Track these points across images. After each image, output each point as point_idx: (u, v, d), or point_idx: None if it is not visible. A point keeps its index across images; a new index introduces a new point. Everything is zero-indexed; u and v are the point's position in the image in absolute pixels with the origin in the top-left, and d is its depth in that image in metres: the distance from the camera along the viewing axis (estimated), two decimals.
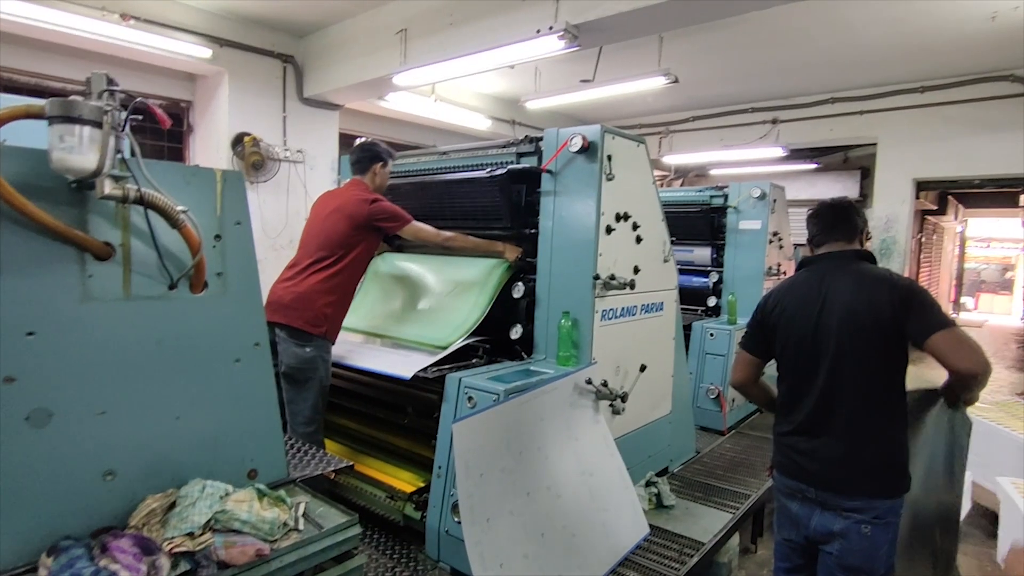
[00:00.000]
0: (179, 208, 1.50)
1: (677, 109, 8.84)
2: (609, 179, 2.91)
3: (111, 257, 1.52)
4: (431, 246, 3.33)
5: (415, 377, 2.76)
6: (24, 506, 1.41)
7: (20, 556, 1.40)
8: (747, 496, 3.41)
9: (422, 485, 2.86)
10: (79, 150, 1.25)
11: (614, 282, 2.94)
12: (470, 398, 2.52)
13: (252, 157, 5.39)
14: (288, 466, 1.96)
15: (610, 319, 3.03)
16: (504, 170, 3.05)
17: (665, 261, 3.52)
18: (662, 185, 9.70)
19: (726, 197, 5.33)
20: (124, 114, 1.34)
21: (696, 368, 4.74)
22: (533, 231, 3.12)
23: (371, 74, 5.26)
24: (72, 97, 1.25)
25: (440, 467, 2.61)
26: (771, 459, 2.31)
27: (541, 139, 3.10)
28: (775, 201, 5.24)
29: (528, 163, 3.15)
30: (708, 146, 8.62)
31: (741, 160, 8.90)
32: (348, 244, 2.96)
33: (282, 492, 1.74)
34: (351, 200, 3.02)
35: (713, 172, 10.31)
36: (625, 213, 3.06)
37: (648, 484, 3.27)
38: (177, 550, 1.45)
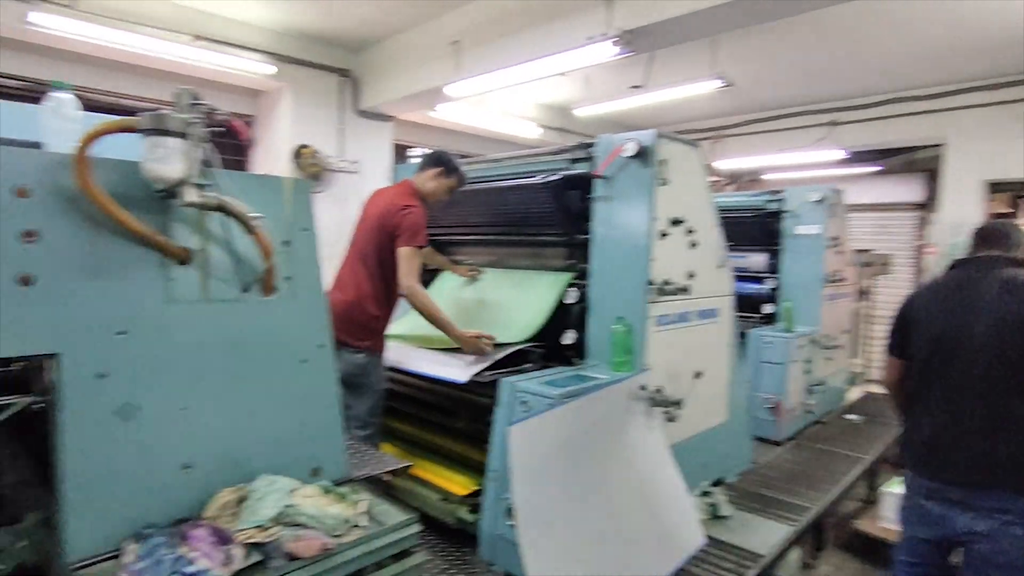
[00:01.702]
0: (253, 215, 1.58)
1: (730, 113, 8.68)
2: (663, 184, 2.89)
3: (190, 262, 1.61)
4: (416, 301, 3.02)
5: (470, 381, 2.80)
6: (113, 495, 1.50)
7: (108, 542, 1.49)
8: (807, 509, 3.30)
9: (475, 488, 2.89)
10: (168, 160, 1.34)
11: (668, 287, 2.91)
12: (524, 402, 2.54)
13: (311, 168, 5.59)
14: (348, 465, 2.02)
15: (664, 325, 3.00)
16: (558, 176, 3.07)
17: (720, 267, 3.46)
18: (714, 191, 9.52)
19: (782, 201, 5.20)
20: (206, 127, 1.43)
21: (752, 377, 4.62)
22: (586, 236, 3.13)
23: (424, 85, 5.39)
24: (162, 111, 1.35)
25: (494, 470, 2.63)
26: (901, 459, 2.35)
27: (594, 145, 3.10)
28: (834, 205, 5.07)
29: (581, 169, 3.16)
30: (762, 150, 8.42)
31: (798, 164, 8.66)
32: (387, 250, 3.03)
33: (345, 489, 1.79)
34: (388, 208, 3.05)
35: (767, 176, 10.06)
36: (679, 218, 3.02)
37: (704, 494, 3.21)
38: (249, 541, 1.52)
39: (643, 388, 2.74)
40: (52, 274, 1.40)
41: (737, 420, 3.73)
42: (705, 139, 9.00)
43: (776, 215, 5.24)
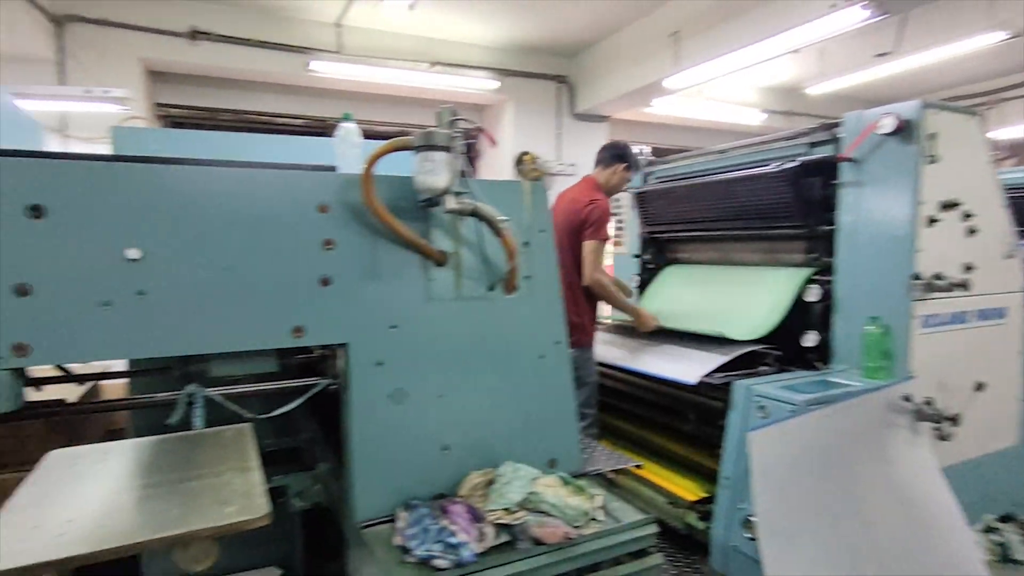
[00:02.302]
0: (502, 218, 1.70)
1: (1011, 71, 7.14)
2: (931, 162, 2.47)
3: (446, 263, 1.79)
4: (597, 287, 3.14)
5: (700, 383, 2.69)
6: (388, 467, 1.74)
7: (383, 508, 1.73)
8: None
9: (705, 495, 2.77)
10: (435, 172, 1.51)
11: (940, 283, 2.48)
12: (762, 407, 2.37)
13: (532, 173, 5.89)
14: (582, 459, 2.07)
15: (934, 326, 2.56)
16: (796, 162, 2.81)
17: (1008, 257, 2.85)
18: None
19: None
20: (463, 141, 1.58)
21: None
22: (830, 228, 2.81)
23: (640, 82, 5.34)
24: (430, 129, 1.52)
25: (727, 478, 2.49)
26: None
27: (839, 125, 2.77)
28: None
29: (823, 153, 2.85)
30: None
31: None
32: (573, 252, 3.11)
33: (583, 482, 1.84)
34: (573, 205, 3.16)
35: None
36: (953, 201, 2.56)
37: (988, 530, 2.68)
38: (498, 522, 1.64)
39: (907, 399, 2.38)
40: (344, 276, 1.66)
41: None
42: (976, 106, 7.52)
43: None
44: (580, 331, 3.14)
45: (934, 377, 2.58)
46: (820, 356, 2.80)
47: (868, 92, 7.74)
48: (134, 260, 1.45)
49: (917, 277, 2.47)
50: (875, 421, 2.34)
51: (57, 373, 1.77)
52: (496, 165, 6.53)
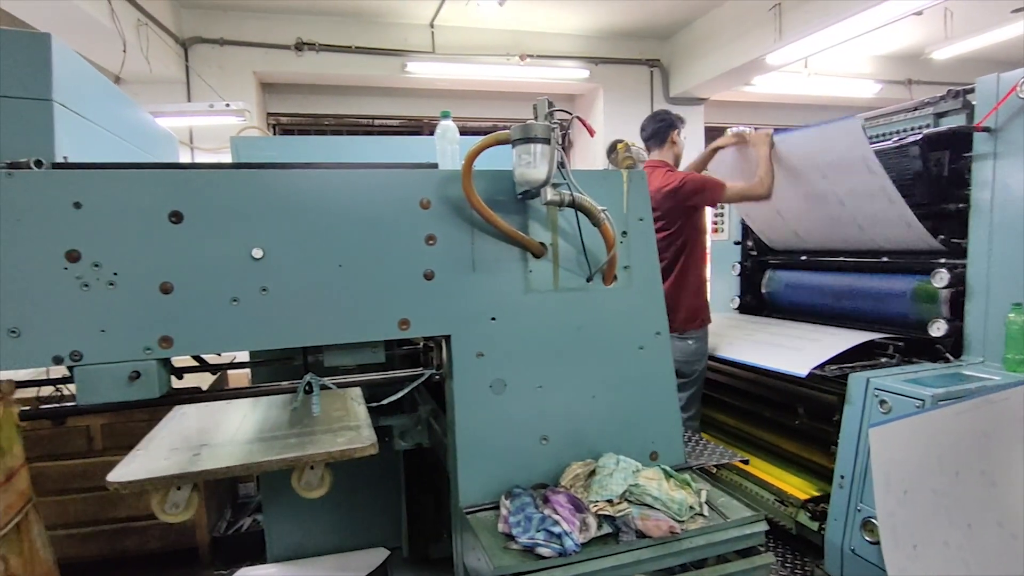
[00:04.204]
0: (600, 208, 1.69)
1: None
2: None
3: (544, 255, 1.80)
4: (756, 199, 3.08)
5: (810, 375, 2.55)
6: (490, 455, 1.78)
7: (487, 495, 1.77)
8: None
9: (816, 494, 2.62)
10: (534, 164, 1.52)
11: None
12: (883, 402, 2.20)
13: (625, 161, 5.75)
14: (684, 452, 2.02)
15: None
16: (919, 135, 2.57)
17: None
18: None
19: None
20: (561, 131, 1.58)
21: None
22: (961, 206, 2.55)
23: (740, 60, 5.09)
24: (529, 122, 1.53)
25: (843, 476, 2.34)
26: None
27: (971, 91, 2.51)
28: None
29: (951, 123, 2.59)
30: None
31: None
32: (679, 239, 3.03)
33: (687, 476, 1.80)
34: (657, 198, 2.96)
35: None
36: None
37: None
38: (601, 513, 1.63)
39: None
40: (446, 270, 1.72)
41: None
42: None
43: None
44: (703, 312, 3.10)
45: None
46: (951, 347, 2.56)
47: (1003, 53, 6.90)
48: (258, 259, 1.57)
49: None
50: (1018, 419, 2.11)
51: (192, 363, 1.97)
52: (589, 154, 6.46)
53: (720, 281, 3.97)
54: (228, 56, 5.61)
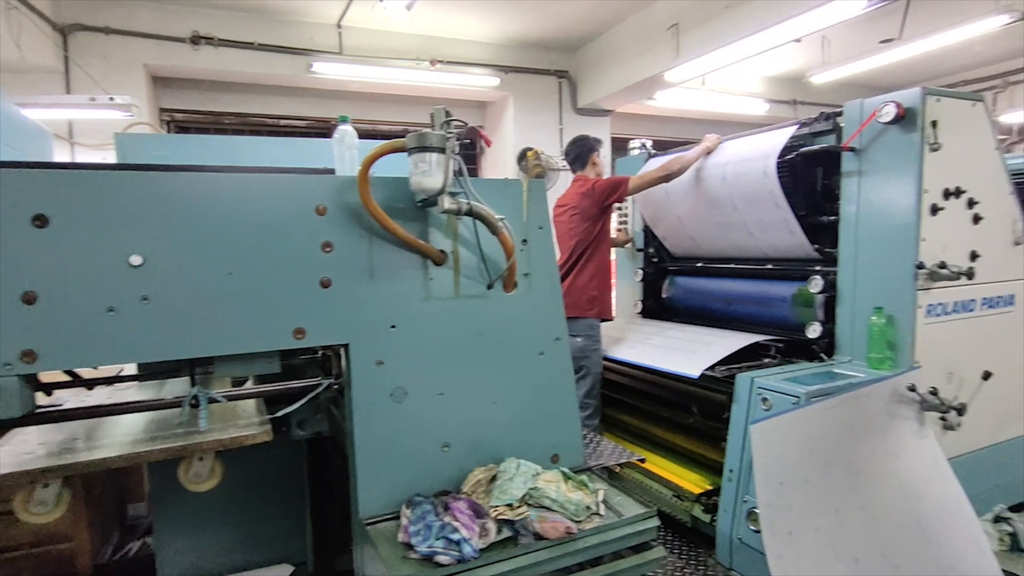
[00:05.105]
0: (498, 217, 1.72)
1: (1020, 54, 7.04)
2: (934, 149, 2.46)
3: (445, 262, 1.81)
4: (654, 184, 3.36)
5: (703, 375, 2.70)
6: (391, 465, 1.76)
7: (387, 505, 1.75)
8: None
9: (710, 488, 2.78)
10: (430, 173, 1.52)
11: (944, 271, 2.47)
12: (764, 399, 2.37)
13: (535, 169, 5.89)
14: (584, 454, 2.08)
15: (939, 316, 2.55)
16: (795, 153, 2.80)
17: (1016, 244, 2.83)
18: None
19: None
20: (458, 140, 1.59)
21: None
22: (832, 218, 2.80)
23: (642, 75, 5.32)
24: (424, 130, 1.53)
25: (731, 470, 2.50)
26: None
27: (840, 114, 2.76)
28: None
29: (823, 143, 2.83)
30: None
31: None
32: (590, 236, 3.33)
33: (584, 477, 1.86)
34: (575, 198, 3.41)
35: None
36: (957, 188, 2.55)
37: (998, 520, 2.66)
38: (501, 517, 1.65)
39: (912, 389, 2.37)
40: (343, 278, 1.68)
41: None
42: (985, 90, 7.44)
43: None
44: (600, 304, 3.35)
45: (940, 367, 2.58)
46: (824, 348, 2.79)
47: (874, 79, 7.67)
48: (137, 266, 1.48)
49: (921, 266, 2.46)
50: (880, 412, 2.33)
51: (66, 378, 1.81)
52: (500, 162, 6.53)
53: (624, 287, 4.13)
54: (115, 46, 5.22)
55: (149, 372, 2.17)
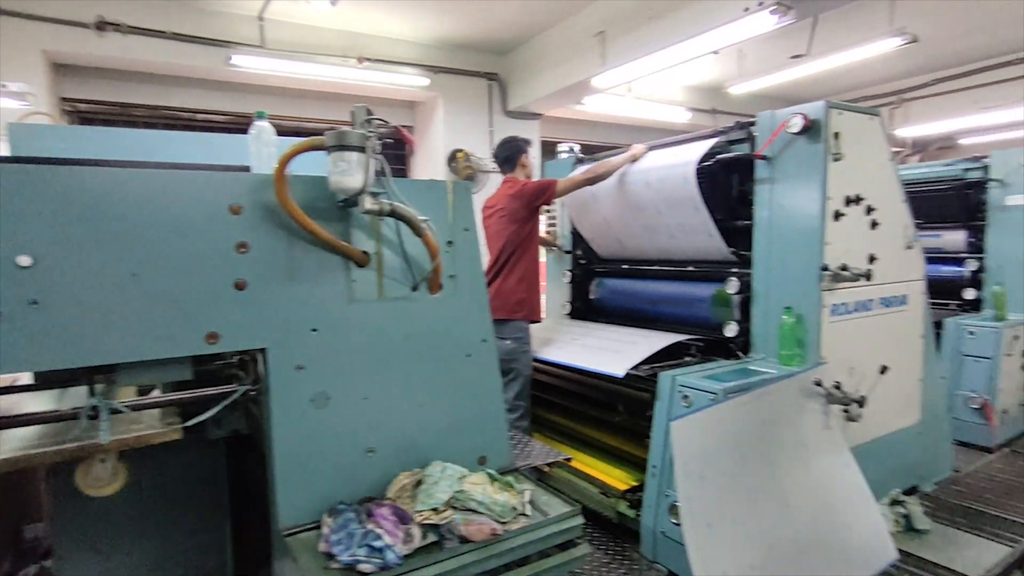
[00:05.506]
0: (422, 218, 1.69)
1: (913, 73, 7.66)
2: (836, 159, 2.63)
3: (368, 264, 1.77)
4: (581, 186, 3.43)
5: (627, 375, 2.77)
6: (312, 473, 1.70)
7: (308, 514, 1.69)
8: None
9: (635, 484, 2.85)
10: (349, 172, 1.48)
11: (846, 273, 2.64)
12: (685, 397, 2.46)
13: (465, 171, 5.88)
14: (512, 455, 2.09)
15: (842, 315, 2.73)
16: (713, 160, 2.92)
17: (908, 248, 3.07)
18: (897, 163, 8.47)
19: (986, 169, 4.47)
20: (379, 140, 1.56)
21: (951, 372, 4.05)
22: (747, 222, 2.94)
23: (570, 80, 5.41)
24: (343, 128, 1.49)
25: (655, 466, 2.57)
26: None
27: (754, 124, 2.90)
28: None
29: (739, 151, 2.98)
30: (954, 112, 7.32)
31: (1003, 124, 7.40)
32: (519, 238, 3.34)
33: (510, 478, 1.86)
34: (504, 199, 3.41)
35: (964, 142, 8.73)
36: (857, 196, 2.73)
37: (894, 503, 2.88)
38: (425, 522, 1.63)
39: (818, 384, 2.52)
40: (260, 279, 1.61)
41: (933, 421, 3.29)
42: (883, 105, 8.04)
43: (978, 185, 4.52)
44: (528, 307, 3.35)
45: (843, 362, 2.75)
46: (741, 346, 2.93)
47: (787, 92, 8.13)
48: (25, 267, 1.36)
49: (825, 268, 2.62)
50: (791, 406, 2.46)
51: None
52: (430, 163, 6.48)
53: (553, 289, 4.19)
54: (9, 29, 4.81)
55: (45, 381, 2.00)
